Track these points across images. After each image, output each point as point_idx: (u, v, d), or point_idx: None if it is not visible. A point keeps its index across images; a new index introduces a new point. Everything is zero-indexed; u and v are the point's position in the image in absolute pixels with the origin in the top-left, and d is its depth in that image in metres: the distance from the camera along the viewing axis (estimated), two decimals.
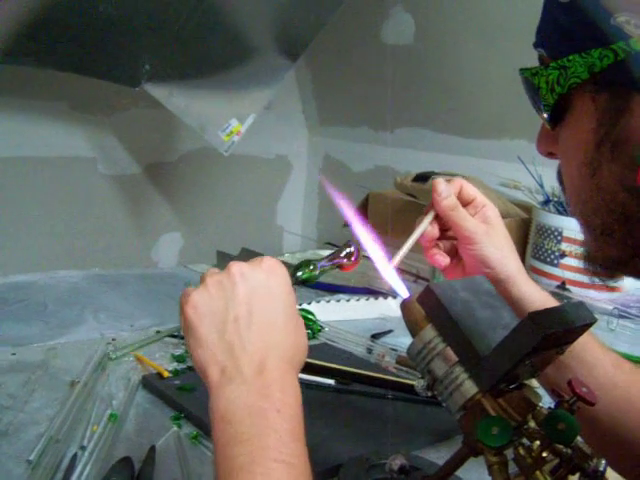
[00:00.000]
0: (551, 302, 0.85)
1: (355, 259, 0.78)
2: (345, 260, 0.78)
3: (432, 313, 0.64)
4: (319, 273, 0.76)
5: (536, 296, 0.84)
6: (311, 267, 0.76)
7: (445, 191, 0.85)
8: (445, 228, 0.88)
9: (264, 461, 0.58)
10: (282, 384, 0.64)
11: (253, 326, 0.66)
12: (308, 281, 0.76)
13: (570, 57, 0.57)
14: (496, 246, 0.85)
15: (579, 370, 0.78)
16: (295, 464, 0.59)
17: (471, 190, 0.88)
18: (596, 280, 0.66)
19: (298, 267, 0.75)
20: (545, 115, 0.62)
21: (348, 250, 0.78)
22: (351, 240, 0.79)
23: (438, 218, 0.86)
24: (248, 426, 0.60)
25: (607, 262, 0.63)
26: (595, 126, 0.57)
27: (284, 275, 0.70)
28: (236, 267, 0.69)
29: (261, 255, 0.73)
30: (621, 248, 0.59)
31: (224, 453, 0.60)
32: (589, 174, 0.59)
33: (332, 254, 0.78)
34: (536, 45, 0.63)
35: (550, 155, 0.67)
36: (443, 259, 0.87)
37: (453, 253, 0.89)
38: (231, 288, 0.67)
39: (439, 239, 0.88)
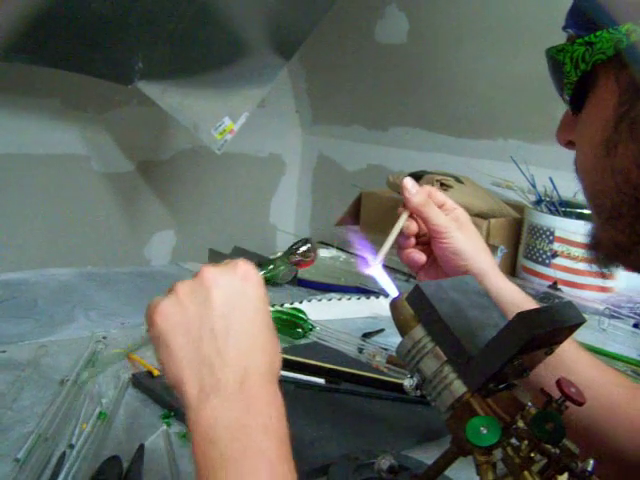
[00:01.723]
0: (525, 296, 0.88)
1: (312, 258, 0.78)
2: (302, 258, 0.78)
3: (421, 312, 0.64)
4: (279, 272, 0.76)
5: (511, 289, 0.86)
6: (271, 267, 0.75)
7: (414, 187, 0.87)
8: (418, 233, 0.89)
9: None
10: (266, 396, 0.61)
11: (231, 337, 0.61)
12: (269, 280, 0.74)
13: (597, 33, 0.57)
14: (468, 241, 0.87)
15: (558, 369, 0.78)
16: None
17: (440, 196, 0.90)
18: (594, 267, 0.65)
19: (259, 266, 0.73)
20: (567, 97, 0.62)
21: (305, 248, 0.78)
22: (307, 238, 0.79)
23: (412, 218, 0.88)
24: (232, 446, 0.56)
25: (611, 247, 0.62)
26: (616, 104, 0.57)
27: (259, 281, 0.66)
28: (208, 272, 0.64)
29: (254, 254, 0.72)
30: (628, 233, 0.59)
31: (208, 476, 0.56)
32: (604, 154, 0.59)
33: (289, 252, 0.78)
34: (565, 26, 0.63)
35: (569, 144, 0.67)
36: (419, 256, 0.89)
37: (427, 255, 0.90)
38: (205, 295, 0.63)
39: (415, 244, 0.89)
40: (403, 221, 0.88)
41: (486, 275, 0.86)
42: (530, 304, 0.85)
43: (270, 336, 0.65)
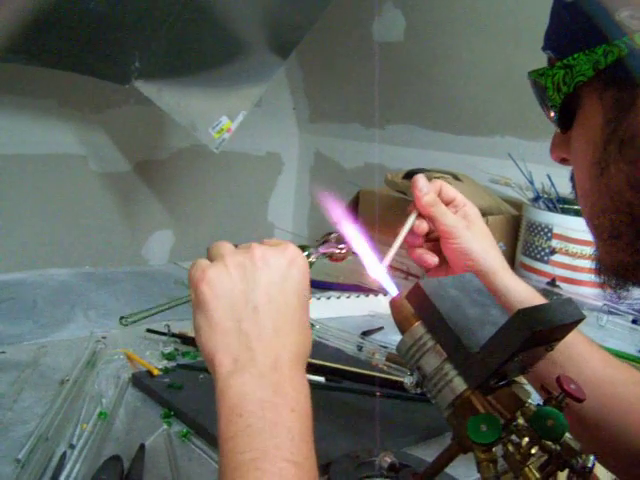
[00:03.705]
0: (535, 294, 0.86)
1: (347, 250, 0.77)
2: (337, 251, 0.77)
3: (421, 310, 0.64)
4: (314, 260, 0.75)
5: (521, 288, 0.85)
6: (306, 253, 0.74)
7: (425, 187, 0.86)
8: (428, 231, 0.89)
9: (275, 460, 0.56)
10: (295, 381, 0.63)
11: (271, 318, 0.63)
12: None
13: (575, 55, 0.57)
14: (477, 240, 0.86)
15: (567, 367, 0.79)
16: (304, 465, 0.58)
17: (451, 191, 0.89)
18: (608, 291, 0.66)
19: None
20: (553, 116, 0.62)
21: (340, 240, 0.77)
22: (341, 231, 0.78)
23: (421, 217, 0.87)
24: (260, 420, 0.58)
25: (617, 268, 0.62)
26: (602, 124, 0.57)
27: (305, 267, 0.68)
28: (259, 251, 0.66)
29: None
30: (629, 252, 0.59)
31: (231, 445, 0.57)
32: (598, 174, 0.59)
33: (324, 242, 0.77)
34: (544, 48, 0.63)
35: (563, 161, 0.67)
36: (431, 257, 0.88)
37: (439, 254, 0.89)
38: (252, 273, 0.64)
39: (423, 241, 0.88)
40: (412, 220, 0.87)
41: (496, 274, 0.85)
42: (538, 302, 0.84)
43: (306, 322, 0.67)
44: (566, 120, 0.62)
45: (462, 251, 0.86)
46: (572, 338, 0.79)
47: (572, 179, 0.65)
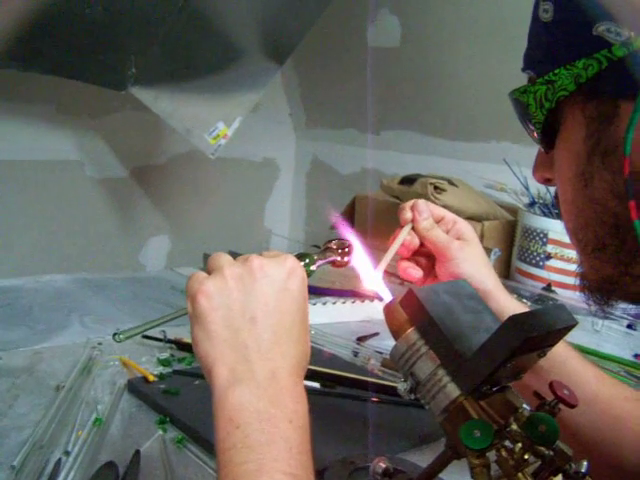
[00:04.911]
0: None
1: (349, 256, 0.77)
2: (339, 258, 0.77)
3: (414, 316, 0.64)
4: (315, 268, 0.74)
5: (515, 309, 0.84)
6: (307, 260, 0.73)
7: (426, 212, 0.86)
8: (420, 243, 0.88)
9: (272, 472, 0.56)
10: (293, 392, 0.62)
11: (269, 329, 0.63)
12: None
13: (556, 71, 0.57)
14: (471, 262, 0.85)
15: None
16: (302, 477, 0.58)
17: (437, 209, 0.88)
18: (592, 304, 0.66)
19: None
20: (536, 134, 0.63)
21: (342, 246, 0.76)
22: (344, 237, 0.77)
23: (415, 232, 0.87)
24: (258, 432, 0.58)
25: (601, 282, 0.62)
26: (585, 136, 0.58)
27: (304, 279, 0.67)
28: (257, 262, 0.65)
29: None
30: (614, 264, 0.59)
31: (229, 456, 0.58)
32: (582, 186, 0.59)
33: (325, 249, 0.76)
34: (524, 68, 0.63)
35: (547, 181, 0.68)
36: (416, 272, 0.88)
37: (428, 269, 0.89)
38: (251, 284, 0.64)
39: (414, 254, 0.88)
40: (405, 234, 0.87)
41: (490, 296, 0.83)
42: None
43: (304, 333, 0.67)
44: (549, 138, 0.62)
45: (456, 275, 0.85)
46: (565, 355, 0.80)
47: (556, 197, 0.66)
